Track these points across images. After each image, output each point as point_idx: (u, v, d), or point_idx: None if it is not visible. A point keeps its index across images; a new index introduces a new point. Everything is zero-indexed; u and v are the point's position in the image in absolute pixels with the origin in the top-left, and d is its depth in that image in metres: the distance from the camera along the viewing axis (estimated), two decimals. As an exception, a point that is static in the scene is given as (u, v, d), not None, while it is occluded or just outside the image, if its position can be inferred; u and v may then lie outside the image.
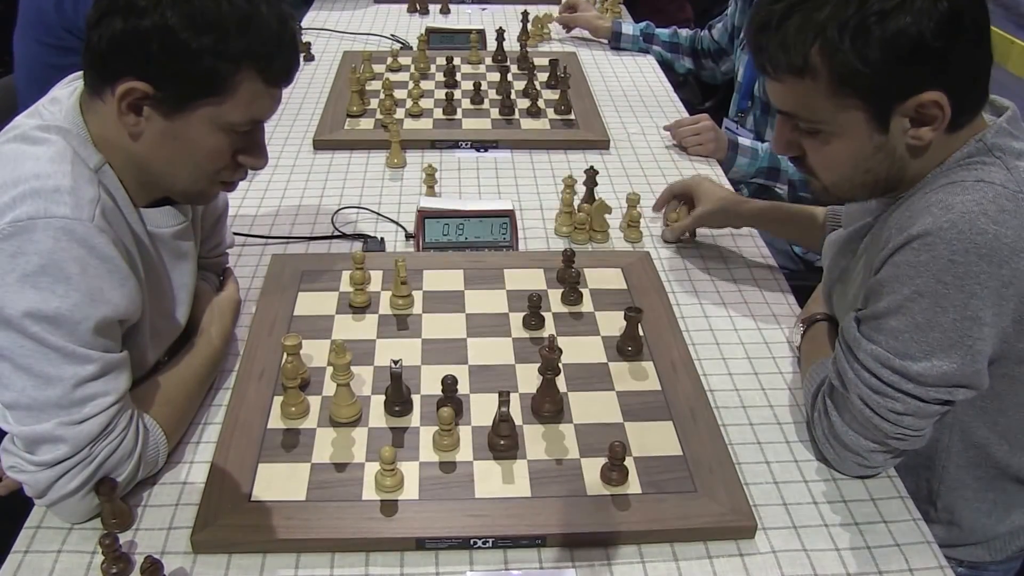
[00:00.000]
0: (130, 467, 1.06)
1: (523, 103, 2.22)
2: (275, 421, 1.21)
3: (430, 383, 1.27)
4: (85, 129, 1.08)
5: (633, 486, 1.12)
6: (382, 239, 1.68)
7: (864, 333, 1.10)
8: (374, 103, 2.21)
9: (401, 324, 1.42)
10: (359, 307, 1.44)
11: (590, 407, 1.25)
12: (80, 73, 1.11)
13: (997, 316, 1.03)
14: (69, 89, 1.12)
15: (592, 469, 1.14)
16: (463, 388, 1.27)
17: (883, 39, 0.98)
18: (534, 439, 1.19)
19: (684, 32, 2.65)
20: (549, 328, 1.41)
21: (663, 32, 2.68)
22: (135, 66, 1.02)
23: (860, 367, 1.09)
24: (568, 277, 1.47)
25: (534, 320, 1.41)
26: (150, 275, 1.16)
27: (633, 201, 1.70)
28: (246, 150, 1.14)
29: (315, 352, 1.33)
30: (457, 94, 2.26)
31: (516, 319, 1.42)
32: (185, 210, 1.22)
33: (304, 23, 2.88)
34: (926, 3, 0.97)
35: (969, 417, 1.17)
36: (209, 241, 1.41)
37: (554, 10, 2.92)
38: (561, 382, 1.26)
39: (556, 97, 2.22)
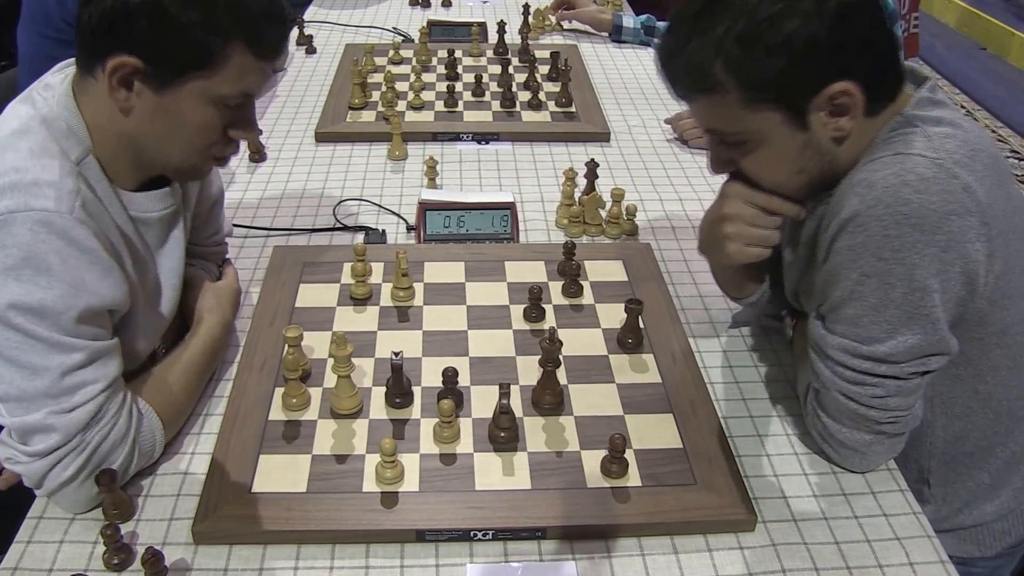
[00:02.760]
0: (124, 452, 1.06)
1: (524, 96, 2.21)
2: (276, 412, 1.21)
3: (431, 375, 1.27)
4: (77, 113, 1.08)
5: (633, 478, 1.12)
6: (383, 231, 1.69)
7: (828, 328, 1.11)
8: (376, 95, 2.20)
9: (402, 316, 1.42)
10: (360, 299, 1.44)
11: (590, 399, 1.25)
12: (72, 60, 1.11)
13: (945, 281, 1.03)
14: (61, 75, 1.13)
15: (592, 461, 1.14)
16: (464, 380, 1.27)
17: (779, 44, 1.01)
18: (534, 431, 1.19)
19: (685, 25, 2.65)
20: (550, 320, 1.41)
21: (664, 25, 2.67)
22: (125, 41, 1.02)
23: (833, 363, 1.09)
24: (569, 269, 1.47)
25: (535, 312, 1.41)
26: (136, 263, 1.16)
27: (618, 196, 1.70)
28: (237, 124, 1.14)
29: (316, 344, 1.34)
30: (458, 87, 2.26)
31: (517, 311, 1.42)
32: (175, 195, 1.22)
33: (306, 16, 2.88)
34: (812, 3, 1.00)
35: (947, 388, 1.17)
36: (206, 229, 1.41)
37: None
38: (561, 374, 1.27)
39: (557, 90, 2.21)
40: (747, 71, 1.04)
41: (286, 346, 1.22)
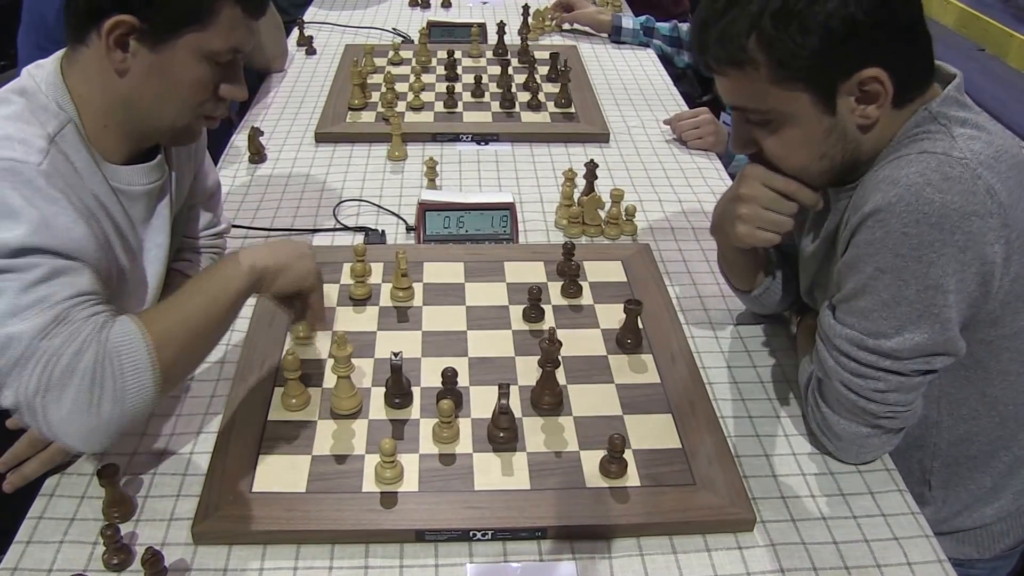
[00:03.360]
0: (89, 354, 0.96)
1: (524, 96, 2.22)
2: (276, 413, 1.21)
3: (430, 375, 1.27)
4: (62, 86, 1.10)
5: (632, 479, 1.12)
6: (383, 232, 1.69)
7: (838, 319, 1.11)
8: (375, 96, 2.21)
9: (401, 316, 1.42)
10: (360, 299, 1.45)
11: (589, 400, 1.25)
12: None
13: (960, 282, 1.03)
14: (55, 56, 1.15)
15: (591, 461, 1.14)
16: (463, 380, 1.27)
17: (815, 23, 1.01)
18: (533, 431, 1.19)
19: (684, 27, 2.65)
20: (549, 321, 1.42)
21: (663, 26, 2.68)
22: (119, 1, 1.05)
23: (838, 353, 1.10)
24: (568, 270, 1.47)
25: (534, 313, 1.41)
26: (117, 235, 1.16)
27: (617, 197, 1.70)
28: (227, 81, 1.17)
29: (316, 344, 1.34)
30: (458, 87, 2.26)
31: (516, 312, 1.43)
32: (161, 170, 1.23)
33: (306, 17, 2.88)
34: None
35: (955, 389, 1.17)
36: (203, 220, 1.43)
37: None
38: (561, 375, 1.27)
39: (556, 90, 2.22)
40: (780, 48, 1.03)
41: (286, 346, 1.22)
